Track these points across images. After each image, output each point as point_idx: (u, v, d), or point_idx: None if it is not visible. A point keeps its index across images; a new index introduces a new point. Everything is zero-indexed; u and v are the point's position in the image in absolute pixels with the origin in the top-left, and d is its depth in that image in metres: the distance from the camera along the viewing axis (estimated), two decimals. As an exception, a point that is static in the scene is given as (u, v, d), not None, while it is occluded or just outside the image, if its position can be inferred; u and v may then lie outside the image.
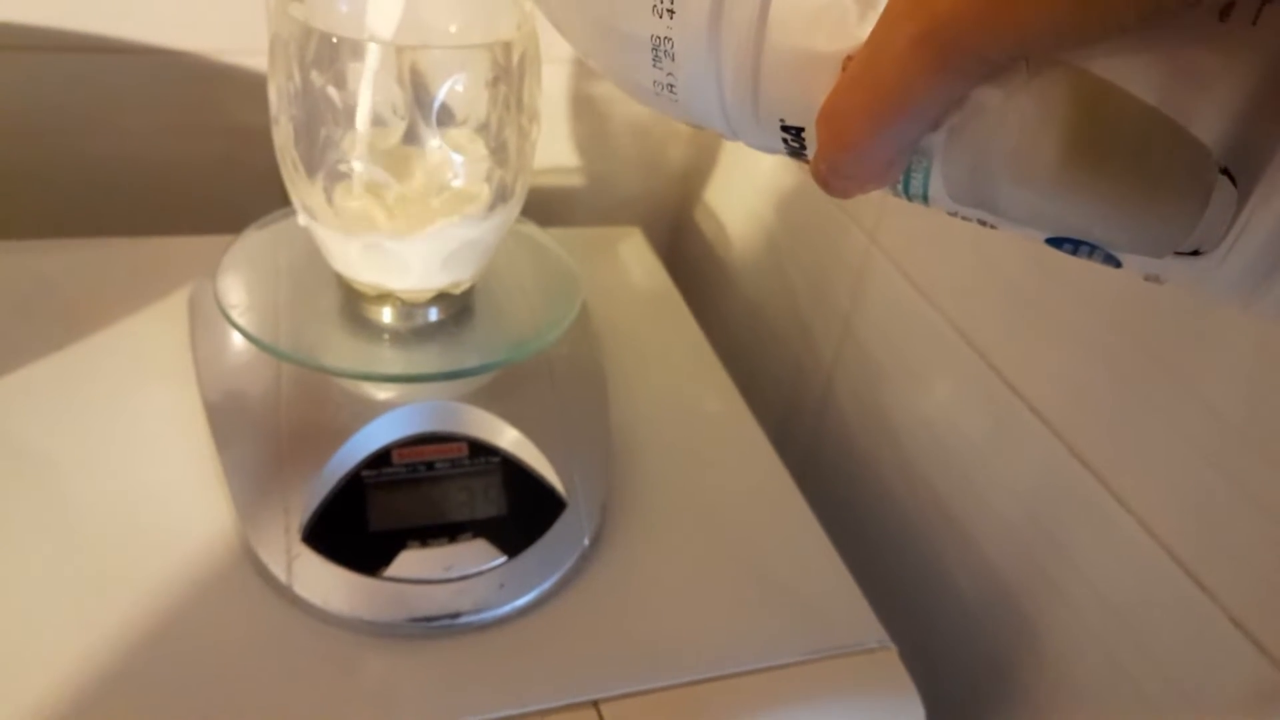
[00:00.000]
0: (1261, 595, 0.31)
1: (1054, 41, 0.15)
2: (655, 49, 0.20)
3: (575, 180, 0.69)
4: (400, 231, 0.36)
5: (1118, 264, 0.18)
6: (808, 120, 0.19)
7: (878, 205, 0.49)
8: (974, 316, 0.43)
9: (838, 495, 0.53)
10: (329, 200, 0.37)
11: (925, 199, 0.19)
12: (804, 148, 0.20)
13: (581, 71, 0.63)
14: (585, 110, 0.65)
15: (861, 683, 0.36)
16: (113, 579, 0.35)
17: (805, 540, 0.42)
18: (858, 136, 0.17)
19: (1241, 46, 0.15)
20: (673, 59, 0.20)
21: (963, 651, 0.44)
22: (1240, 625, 0.32)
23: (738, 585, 0.39)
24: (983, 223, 0.20)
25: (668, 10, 0.19)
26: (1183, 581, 0.34)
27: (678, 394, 0.49)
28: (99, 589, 0.34)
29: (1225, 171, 0.15)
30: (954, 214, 0.20)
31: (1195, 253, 0.17)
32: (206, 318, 0.42)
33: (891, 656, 0.37)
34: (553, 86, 0.63)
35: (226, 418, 0.39)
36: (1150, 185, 0.16)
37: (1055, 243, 0.19)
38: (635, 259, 0.60)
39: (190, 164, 0.59)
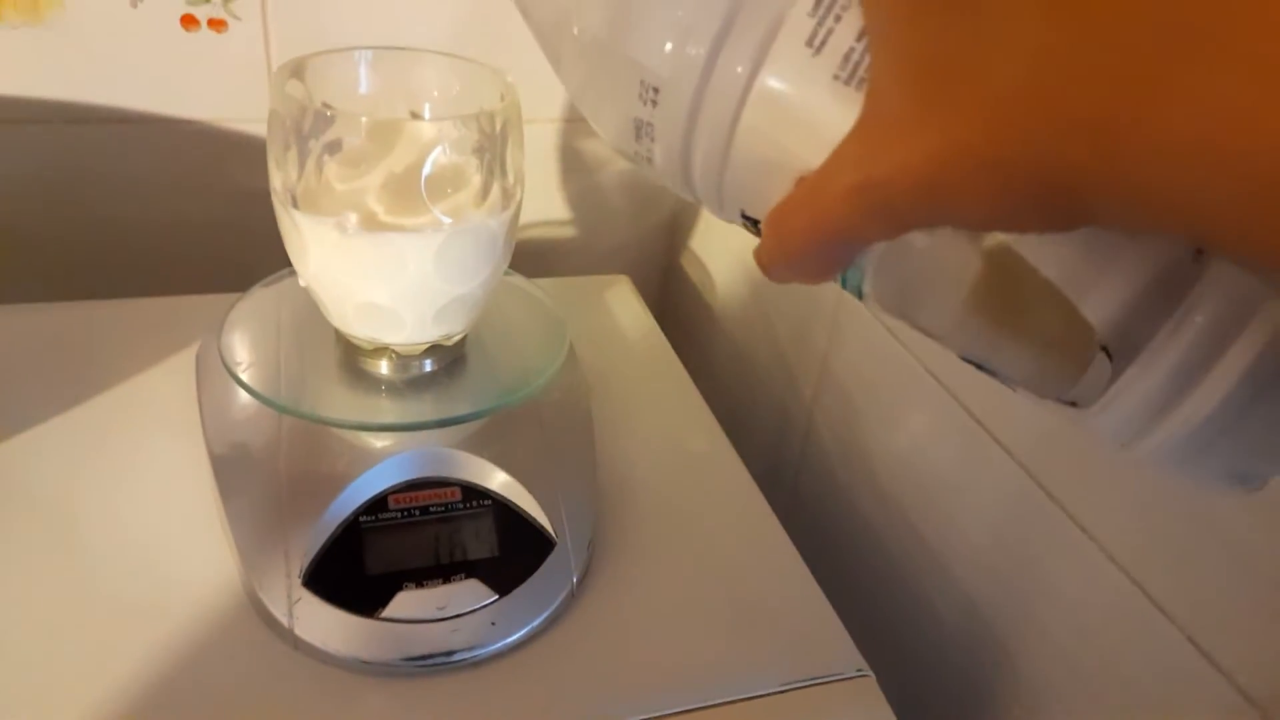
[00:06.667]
0: (1218, 618, 0.33)
1: (970, 226, 0.17)
2: (638, 129, 0.22)
3: (566, 232, 0.71)
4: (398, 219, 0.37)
5: (1014, 389, 0.21)
6: (763, 215, 0.21)
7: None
8: (944, 356, 0.45)
9: (820, 529, 0.55)
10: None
11: (860, 296, 0.21)
12: (760, 233, 0.22)
13: (571, 129, 0.66)
14: (575, 165, 0.68)
15: (841, 710, 0.38)
16: (122, 625, 0.37)
17: (787, 574, 0.43)
18: (796, 246, 0.19)
19: (1137, 249, 0.16)
20: (652, 140, 0.22)
21: (940, 676, 0.46)
22: (1199, 647, 0.33)
23: (721, 619, 0.40)
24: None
25: (651, 100, 0.21)
26: (1145, 605, 0.35)
27: (664, 435, 0.51)
28: (109, 634, 0.36)
29: (1104, 349, 0.17)
30: (887, 316, 0.22)
31: (1073, 404, 0.19)
32: (212, 373, 0.44)
33: (870, 684, 0.38)
34: (545, 143, 0.66)
35: (231, 469, 0.41)
36: (1038, 345, 0.18)
37: (966, 359, 0.21)
38: (623, 306, 0.62)
39: (196, 227, 0.62)
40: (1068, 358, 0.18)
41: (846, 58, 0.19)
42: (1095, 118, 0.13)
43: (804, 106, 0.19)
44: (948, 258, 0.18)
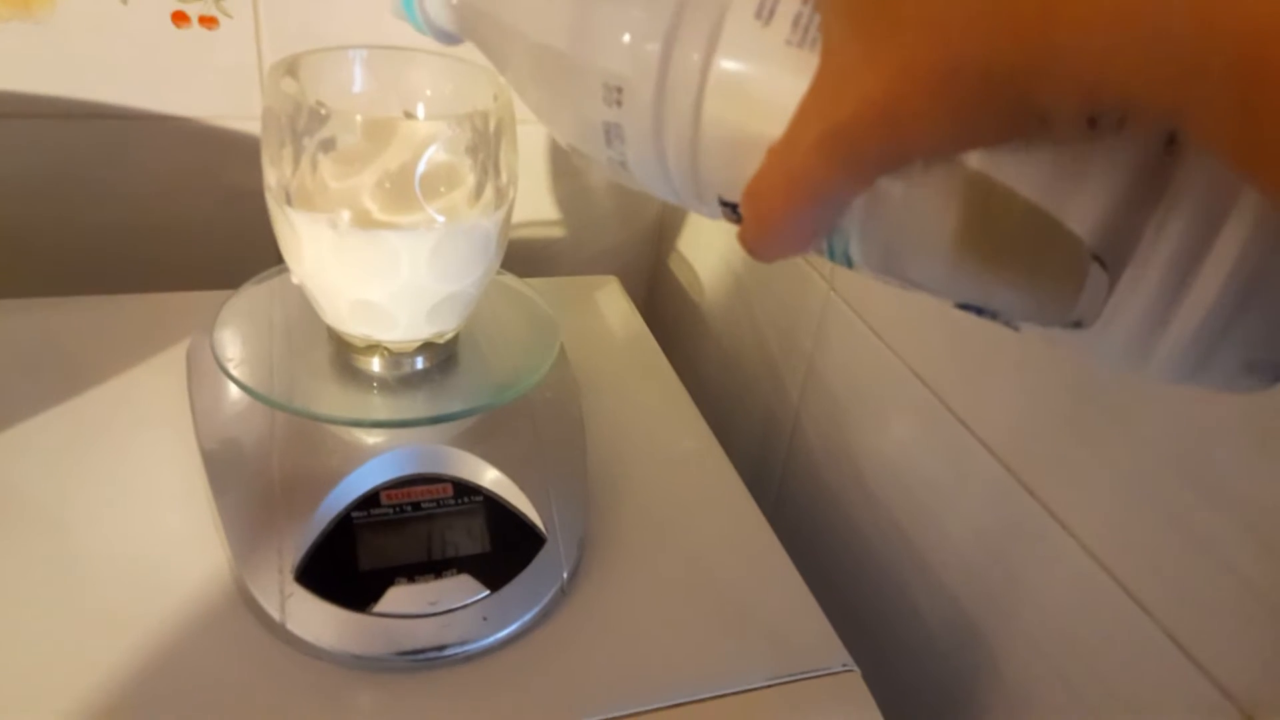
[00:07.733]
0: (1196, 616, 0.33)
1: (938, 151, 0.17)
2: (608, 132, 0.23)
3: (556, 233, 0.72)
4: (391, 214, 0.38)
5: (1017, 328, 0.21)
6: (740, 197, 0.21)
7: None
8: (927, 357, 0.46)
9: (807, 528, 0.56)
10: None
11: (849, 264, 0.22)
12: (741, 218, 0.23)
13: (559, 130, 0.67)
14: (564, 168, 0.68)
15: (827, 704, 0.38)
16: (115, 620, 0.37)
17: (773, 571, 0.44)
18: (775, 215, 0.19)
19: (1109, 151, 0.17)
20: (623, 141, 0.23)
21: (925, 674, 0.46)
22: (1178, 644, 0.34)
23: (709, 615, 0.41)
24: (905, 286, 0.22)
25: (616, 101, 0.22)
26: (1126, 603, 0.36)
27: (653, 434, 0.51)
28: (102, 630, 0.36)
29: (1098, 259, 0.17)
30: (879, 278, 0.22)
31: (1078, 325, 0.19)
32: (204, 370, 0.45)
33: (855, 679, 0.39)
34: (535, 146, 0.67)
35: (223, 465, 0.41)
36: (1032, 270, 0.18)
37: (963, 306, 0.21)
38: (612, 307, 0.62)
39: (187, 223, 0.62)
40: (1063, 278, 0.18)
41: (795, 22, 0.19)
42: (1024, 9, 0.14)
43: (763, 79, 0.20)
44: (927, 201, 0.18)
